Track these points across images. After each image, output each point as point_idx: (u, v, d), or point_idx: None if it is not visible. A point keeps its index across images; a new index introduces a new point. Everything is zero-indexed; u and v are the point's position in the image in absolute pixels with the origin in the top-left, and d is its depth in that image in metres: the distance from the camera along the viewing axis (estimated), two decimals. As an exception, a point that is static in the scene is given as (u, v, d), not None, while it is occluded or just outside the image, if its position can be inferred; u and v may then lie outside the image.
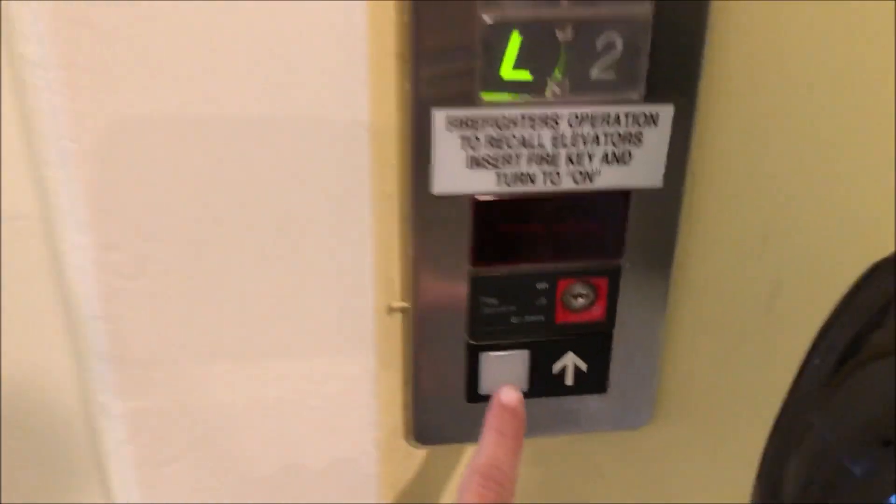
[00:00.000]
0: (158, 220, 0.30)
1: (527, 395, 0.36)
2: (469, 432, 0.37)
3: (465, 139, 0.32)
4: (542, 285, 0.35)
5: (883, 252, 0.39)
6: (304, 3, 0.29)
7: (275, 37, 0.29)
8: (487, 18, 0.30)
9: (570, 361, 0.37)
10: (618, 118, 0.32)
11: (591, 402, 0.38)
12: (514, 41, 0.31)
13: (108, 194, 0.29)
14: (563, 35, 0.31)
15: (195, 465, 0.33)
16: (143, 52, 0.28)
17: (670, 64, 0.32)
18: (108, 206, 0.29)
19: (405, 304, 0.35)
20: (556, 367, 0.37)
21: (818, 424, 0.18)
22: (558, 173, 0.33)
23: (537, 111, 0.32)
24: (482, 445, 0.32)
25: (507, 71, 0.31)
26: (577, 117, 0.32)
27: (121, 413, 0.32)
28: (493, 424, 0.32)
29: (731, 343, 0.39)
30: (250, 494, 0.35)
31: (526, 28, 0.30)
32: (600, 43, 0.31)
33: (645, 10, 0.30)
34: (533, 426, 0.38)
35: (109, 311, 0.30)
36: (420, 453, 0.39)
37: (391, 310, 0.36)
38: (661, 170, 0.34)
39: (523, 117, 0.32)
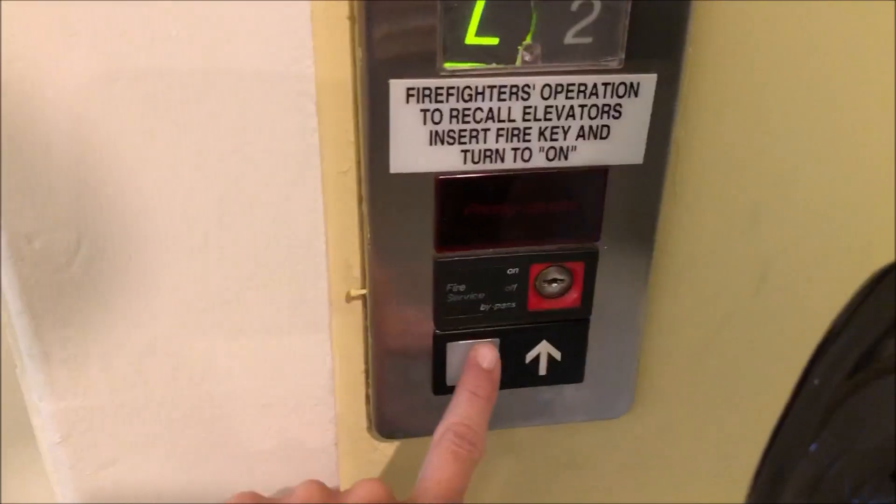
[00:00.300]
0: (85, 203, 0.27)
1: (498, 387, 0.34)
2: (434, 427, 0.35)
3: (425, 112, 0.29)
4: (512, 270, 0.33)
5: (880, 231, 0.36)
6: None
7: (207, -2, 0.26)
8: (449, -23, 0.27)
9: (543, 350, 0.34)
10: (595, 89, 0.29)
11: (567, 391, 0.36)
12: (480, 2, 0.27)
13: (20, 172, 0.26)
14: (534, -5, 0.28)
15: (136, 467, 0.31)
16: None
17: (653, 27, 0.29)
18: (23, 187, 0.26)
19: (364, 292, 0.33)
20: (529, 357, 0.34)
21: (817, 451, 0.16)
22: (529, 150, 0.30)
23: (506, 81, 0.29)
24: (456, 404, 0.32)
25: (472, 36, 0.28)
26: (550, 88, 0.29)
27: (52, 413, 0.29)
28: (468, 385, 0.32)
29: (717, 328, 0.36)
30: (199, 496, 0.32)
31: (492, -13, 0.27)
32: (576, 4, 0.28)
33: (625, -33, 0.27)
34: (505, 417, 0.36)
35: (34, 305, 0.27)
36: (385, 447, 0.36)
37: (350, 298, 0.33)
38: (643, 145, 0.31)
39: (490, 88, 0.29)
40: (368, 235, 0.31)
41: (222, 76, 0.27)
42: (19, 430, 0.39)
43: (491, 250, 0.32)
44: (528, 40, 0.28)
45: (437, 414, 0.33)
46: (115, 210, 0.27)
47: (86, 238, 0.27)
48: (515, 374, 0.35)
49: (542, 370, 0.35)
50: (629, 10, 0.28)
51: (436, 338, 0.33)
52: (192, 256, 0.29)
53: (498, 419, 0.36)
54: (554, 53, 0.29)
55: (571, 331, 0.34)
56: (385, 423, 0.35)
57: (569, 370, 0.35)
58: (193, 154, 0.28)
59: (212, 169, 0.28)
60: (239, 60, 0.27)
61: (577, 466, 0.39)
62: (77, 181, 0.27)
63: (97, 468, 0.31)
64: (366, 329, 0.34)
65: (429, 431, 0.35)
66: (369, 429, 0.36)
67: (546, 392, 0.36)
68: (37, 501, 0.39)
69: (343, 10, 0.28)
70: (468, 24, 0.28)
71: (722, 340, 0.37)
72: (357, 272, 0.33)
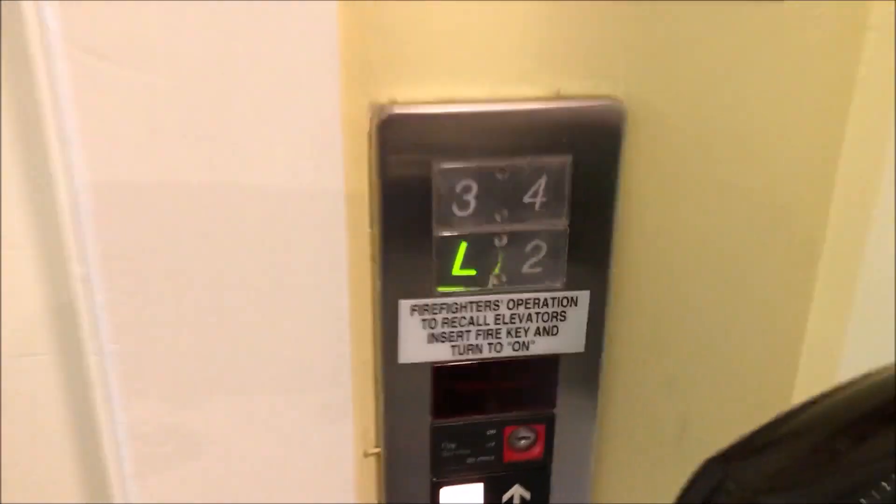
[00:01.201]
0: (183, 399, 0.38)
1: (481, 521, 0.44)
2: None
3: (425, 321, 0.40)
4: (491, 431, 0.43)
5: (778, 389, 0.47)
6: (285, 203, 0.37)
7: (259, 234, 0.37)
8: (440, 232, 0.39)
9: (516, 492, 0.44)
10: (546, 301, 0.41)
11: (536, 523, 0.46)
12: (462, 247, 0.39)
13: (141, 381, 0.36)
14: (500, 242, 0.39)
15: None
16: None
17: (585, 260, 0.41)
18: (141, 390, 0.37)
19: (378, 450, 0.43)
20: (506, 498, 0.44)
21: None
22: (500, 344, 0.41)
23: (482, 298, 0.40)
24: None
25: (458, 269, 0.40)
26: (513, 302, 0.41)
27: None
28: None
29: (650, 470, 0.47)
30: None
31: (471, 238, 0.39)
32: (528, 248, 0.40)
33: (562, 224, 0.39)
34: (487, 546, 0.46)
35: (143, 472, 0.37)
36: (393, 572, 0.46)
37: (367, 454, 0.43)
38: (583, 338, 0.42)
39: (471, 303, 0.40)
40: (382, 407, 0.42)
41: (268, 300, 0.38)
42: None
43: (474, 417, 0.43)
44: (497, 271, 0.40)
45: (435, 544, 0.42)
46: (202, 411, 0.38)
47: (180, 421, 0.38)
48: (495, 511, 0.45)
49: (516, 507, 0.45)
50: (567, 250, 0.40)
51: (433, 484, 0.43)
52: (255, 436, 0.39)
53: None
54: (515, 279, 0.40)
55: (537, 476, 0.44)
56: (394, 553, 0.45)
57: (537, 507, 0.45)
58: (251, 362, 0.39)
59: (269, 370, 0.39)
60: (293, 294, 0.38)
61: (548, 585, 0.48)
62: (180, 388, 0.37)
63: None
64: (379, 478, 0.44)
65: (428, 559, 0.45)
66: (381, 558, 0.45)
67: (520, 524, 0.46)
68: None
69: (366, 250, 0.40)
70: (454, 261, 0.39)
71: (654, 480, 0.47)
72: (372, 435, 0.43)
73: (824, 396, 0.28)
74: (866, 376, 0.28)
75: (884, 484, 0.24)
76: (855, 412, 0.27)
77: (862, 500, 0.24)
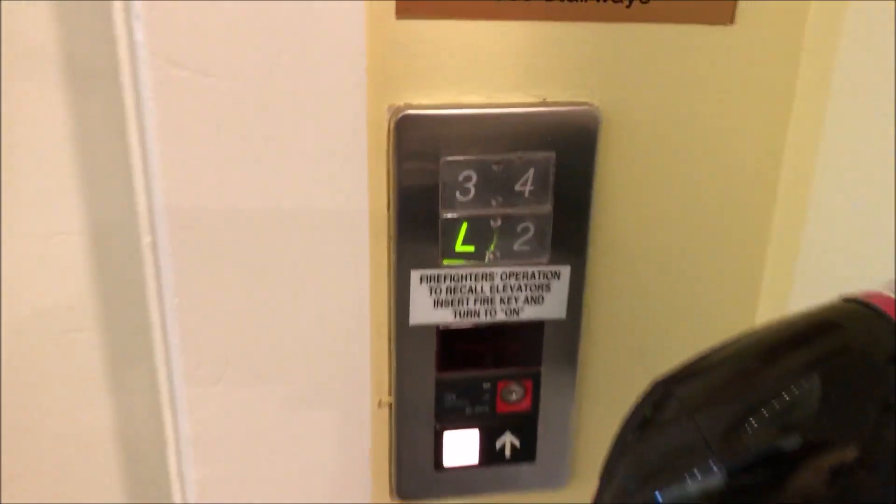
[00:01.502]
0: (226, 346, 0.45)
1: (478, 465, 0.52)
2: (436, 492, 0.52)
3: (431, 289, 0.48)
4: (486, 385, 0.51)
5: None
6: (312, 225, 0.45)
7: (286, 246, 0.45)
8: (445, 214, 0.46)
9: (508, 439, 0.52)
10: (533, 274, 0.49)
11: (524, 468, 0.53)
12: (463, 227, 0.47)
13: (198, 328, 0.44)
14: (495, 223, 0.47)
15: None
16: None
17: (566, 240, 0.48)
18: (197, 337, 0.44)
19: (391, 400, 0.50)
20: (499, 444, 0.52)
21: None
22: (495, 310, 0.49)
23: (479, 270, 0.48)
24: None
25: (459, 245, 0.48)
26: (506, 274, 0.48)
27: (195, 480, 0.46)
28: None
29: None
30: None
31: (470, 219, 0.47)
32: (519, 228, 0.47)
33: (547, 209, 0.47)
34: (481, 489, 0.53)
35: (195, 411, 0.45)
36: (402, 508, 0.53)
37: (381, 403, 0.51)
38: (565, 307, 0.50)
39: (470, 274, 0.48)
40: (394, 363, 0.49)
41: (303, 272, 0.46)
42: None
43: (472, 372, 0.50)
44: (492, 247, 0.48)
45: (438, 484, 0.50)
46: (248, 354, 0.46)
47: (228, 367, 0.45)
48: (489, 456, 0.52)
49: (507, 453, 0.52)
50: (551, 231, 0.48)
51: (436, 431, 0.51)
52: (287, 383, 0.47)
53: (477, 490, 0.53)
54: (508, 255, 0.48)
55: (526, 426, 0.52)
56: (402, 491, 0.52)
57: (525, 453, 0.52)
58: (287, 333, 0.46)
59: (299, 335, 0.46)
60: (317, 258, 0.46)
61: (534, 524, 0.56)
62: (228, 333, 0.45)
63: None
64: (390, 425, 0.51)
65: (431, 496, 0.52)
66: (391, 493, 0.52)
67: (510, 469, 0.53)
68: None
69: (383, 229, 0.47)
70: (456, 238, 0.47)
71: (626, 432, 0.54)
72: (386, 387, 0.51)
73: (751, 333, 0.35)
74: (782, 318, 0.36)
75: (783, 394, 0.32)
76: (769, 342, 0.34)
77: (763, 410, 0.32)
